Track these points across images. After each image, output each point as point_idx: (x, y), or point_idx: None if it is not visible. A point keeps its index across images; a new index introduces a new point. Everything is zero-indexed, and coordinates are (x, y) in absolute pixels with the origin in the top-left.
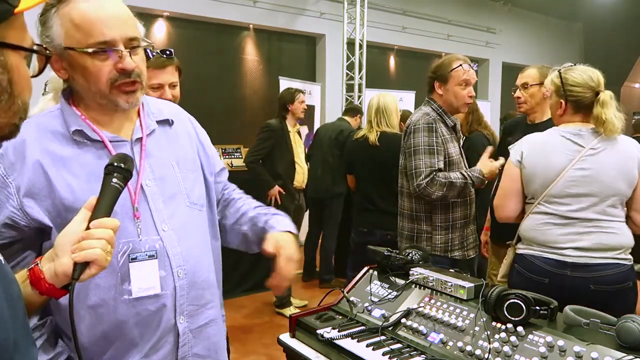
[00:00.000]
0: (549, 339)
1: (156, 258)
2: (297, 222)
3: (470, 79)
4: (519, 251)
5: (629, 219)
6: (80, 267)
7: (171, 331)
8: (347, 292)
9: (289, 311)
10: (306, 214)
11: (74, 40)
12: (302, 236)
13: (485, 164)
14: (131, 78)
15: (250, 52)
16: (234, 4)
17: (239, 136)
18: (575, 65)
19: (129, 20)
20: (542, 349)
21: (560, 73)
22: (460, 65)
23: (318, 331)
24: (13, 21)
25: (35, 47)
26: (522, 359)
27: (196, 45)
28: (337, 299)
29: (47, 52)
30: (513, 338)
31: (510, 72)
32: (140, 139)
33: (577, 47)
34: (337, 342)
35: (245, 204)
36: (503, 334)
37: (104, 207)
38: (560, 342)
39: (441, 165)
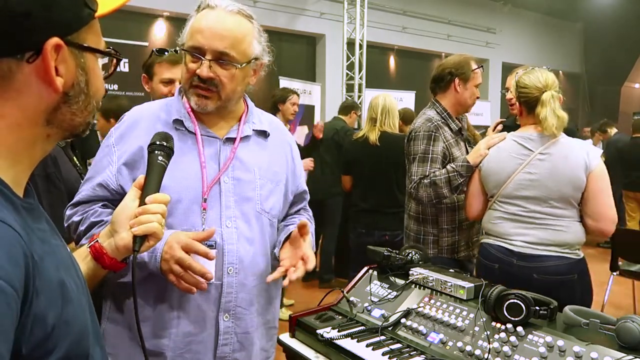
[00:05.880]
0: (549, 339)
1: (215, 248)
2: None
3: (480, 82)
4: (482, 242)
5: (584, 222)
6: (140, 239)
7: (212, 325)
8: (347, 292)
9: None
10: None
11: (185, 40)
12: None
13: (473, 150)
14: (205, 85)
15: None
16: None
17: None
18: (534, 68)
19: (228, 37)
20: (542, 349)
21: (517, 76)
22: (479, 68)
23: (318, 331)
24: (92, 25)
25: (108, 50)
26: (522, 359)
27: None
28: (337, 299)
29: (118, 55)
30: (513, 338)
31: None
32: (232, 140)
33: (577, 47)
34: (336, 342)
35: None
36: (503, 334)
37: (153, 184)
38: (560, 342)
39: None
